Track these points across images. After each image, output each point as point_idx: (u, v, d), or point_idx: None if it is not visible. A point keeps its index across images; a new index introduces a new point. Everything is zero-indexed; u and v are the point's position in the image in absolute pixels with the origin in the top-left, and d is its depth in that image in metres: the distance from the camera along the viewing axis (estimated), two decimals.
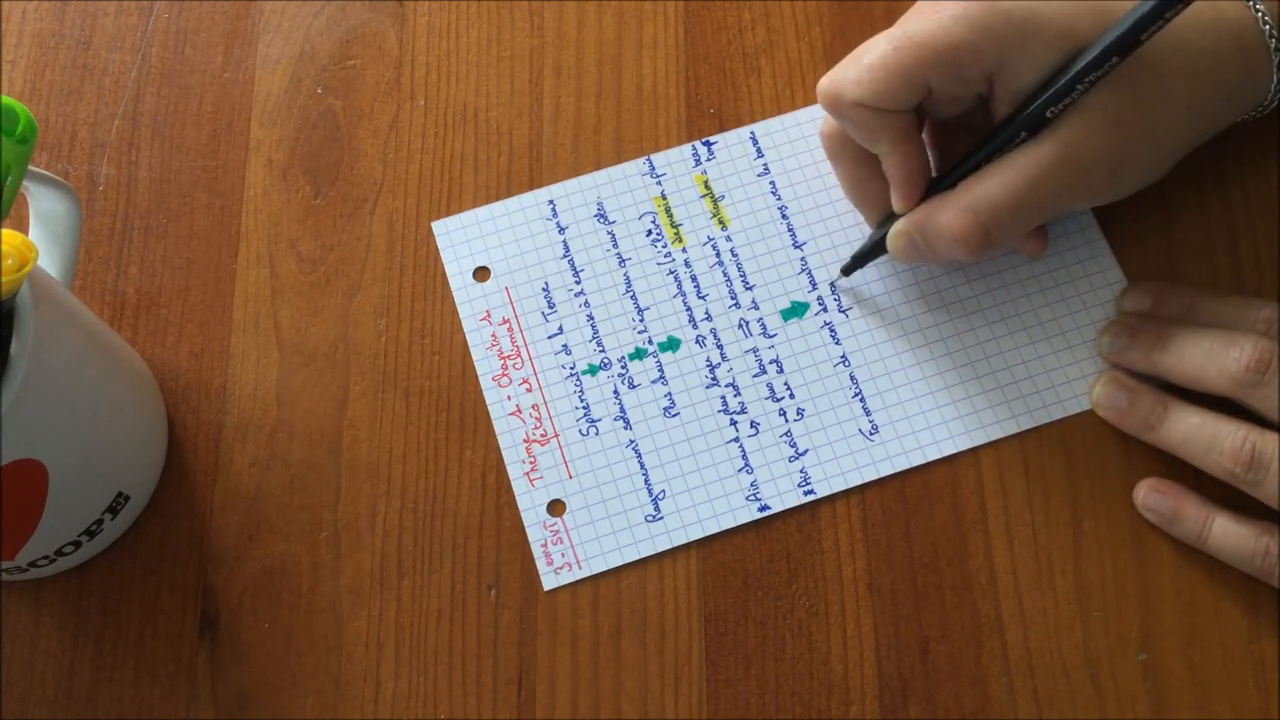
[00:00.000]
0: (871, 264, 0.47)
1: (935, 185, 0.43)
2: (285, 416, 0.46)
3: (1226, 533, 0.42)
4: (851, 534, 0.44)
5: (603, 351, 0.46)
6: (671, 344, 0.47)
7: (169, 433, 0.46)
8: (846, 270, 0.46)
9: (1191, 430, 0.42)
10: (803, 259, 0.48)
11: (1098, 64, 0.39)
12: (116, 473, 0.43)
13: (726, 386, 0.46)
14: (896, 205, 0.44)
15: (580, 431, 0.45)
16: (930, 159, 0.45)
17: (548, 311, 0.47)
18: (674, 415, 0.46)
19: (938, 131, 0.46)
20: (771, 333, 0.47)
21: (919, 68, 0.41)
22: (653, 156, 0.49)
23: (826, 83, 0.42)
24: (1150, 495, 0.43)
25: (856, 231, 0.48)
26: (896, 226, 0.44)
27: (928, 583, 0.43)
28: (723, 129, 0.50)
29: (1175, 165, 0.44)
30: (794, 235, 0.48)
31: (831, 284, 0.47)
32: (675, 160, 0.49)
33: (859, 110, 0.42)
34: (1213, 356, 0.41)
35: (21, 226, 0.46)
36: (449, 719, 0.42)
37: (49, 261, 0.43)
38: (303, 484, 0.45)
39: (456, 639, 0.43)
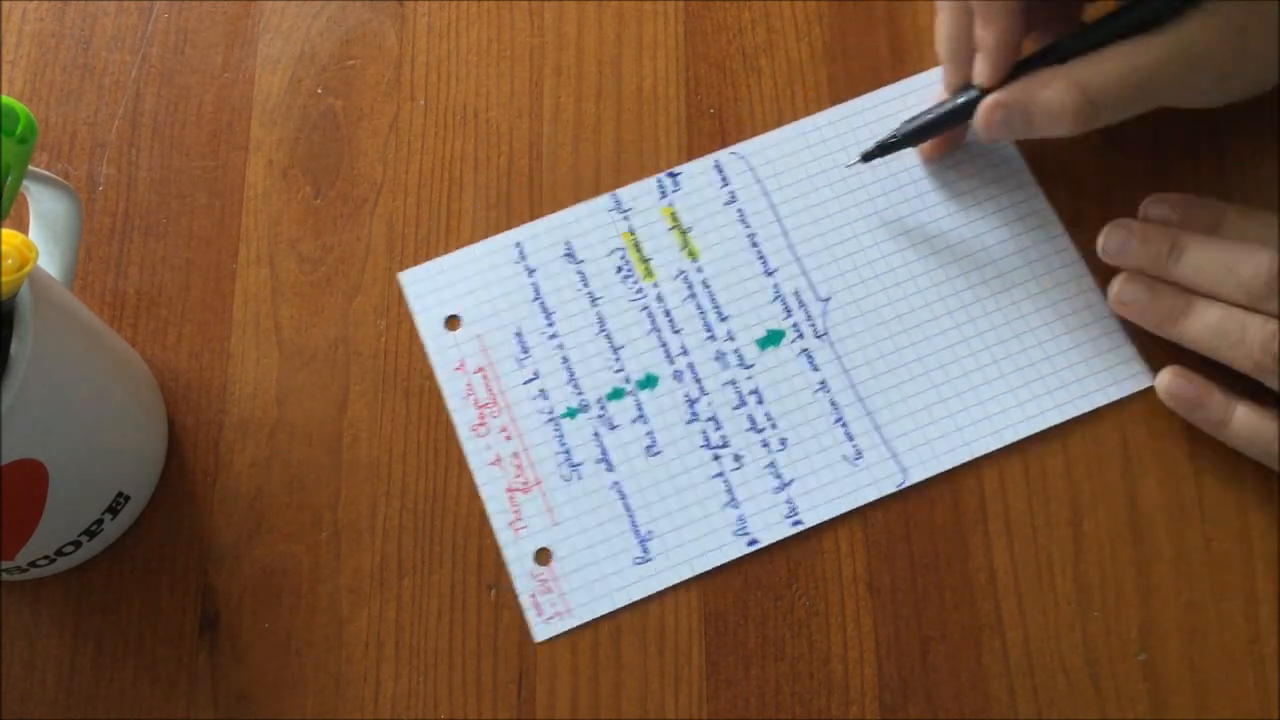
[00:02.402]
0: (844, 289, 0.46)
1: (1025, 65, 0.43)
2: (285, 416, 0.46)
3: (1249, 418, 0.42)
4: (851, 534, 0.44)
5: (580, 394, 0.46)
6: (649, 381, 0.46)
7: (169, 433, 0.46)
8: (867, 157, 0.45)
9: (1219, 322, 0.41)
10: (775, 286, 0.47)
11: None
12: (116, 473, 0.43)
13: (707, 421, 0.45)
14: (980, 75, 0.43)
15: (562, 477, 0.45)
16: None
17: (522, 356, 0.46)
18: (656, 454, 0.45)
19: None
20: (749, 363, 0.46)
21: None
22: (618, 191, 0.48)
23: None
24: (1175, 381, 0.43)
25: (828, 255, 0.47)
26: (992, 99, 0.43)
27: (928, 583, 0.43)
28: (723, 129, 0.50)
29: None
30: (765, 263, 0.47)
31: (846, 165, 0.45)
32: (641, 194, 0.49)
33: None
34: (1231, 270, 0.41)
35: (21, 226, 0.46)
36: (449, 719, 0.42)
37: (49, 261, 0.43)
38: (303, 484, 0.45)
39: (456, 639, 0.43)
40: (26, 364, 0.36)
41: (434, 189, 0.49)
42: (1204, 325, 0.42)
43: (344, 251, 0.48)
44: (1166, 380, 0.44)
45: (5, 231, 0.35)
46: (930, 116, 0.45)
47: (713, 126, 0.50)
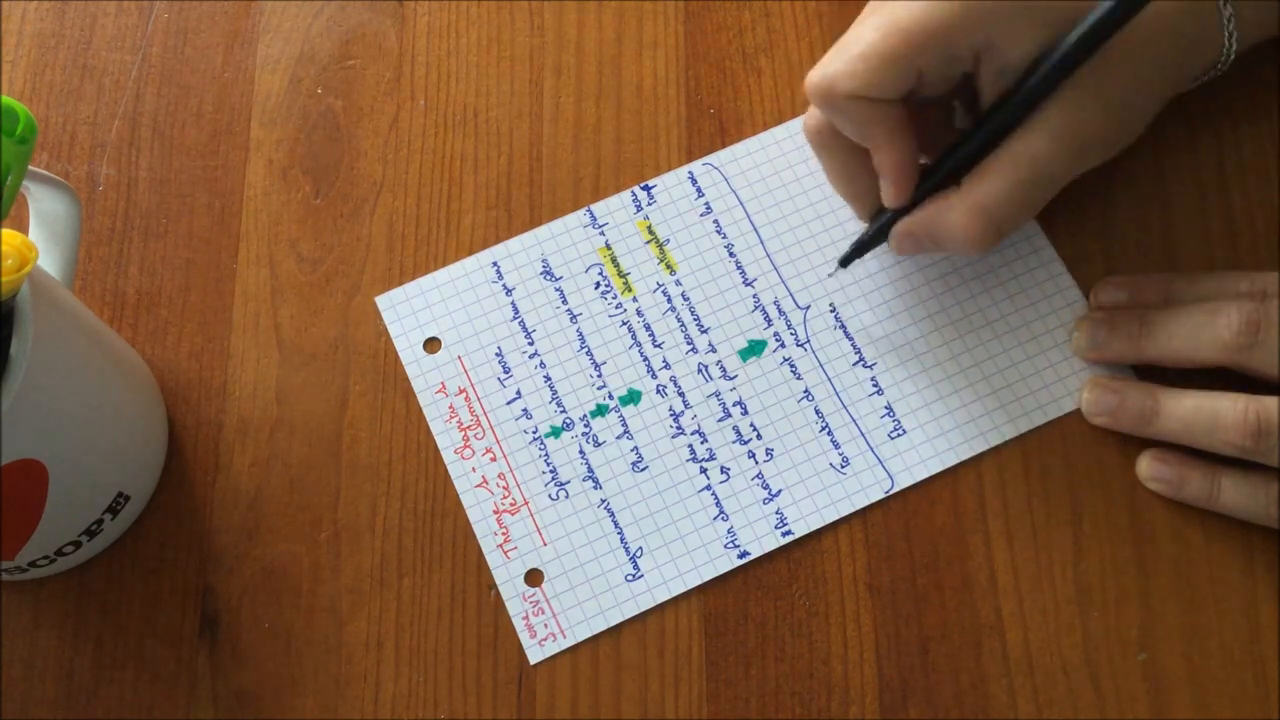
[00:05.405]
0: (823, 297, 0.47)
1: (927, 176, 0.43)
2: (285, 416, 0.46)
3: (1237, 486, 0.42)
4: (851, 534, 0.44)
5: (564, 412, 0.46)
6: (632, 397, 0.46)
7: (169, 433, 0.46)
8: (844, 262, 0.46)
9: (1189, 415, 0.42)
10: (755, 296, 0.47)
11: (1094, 42, 0.39)
12: (116, 473, 0.43)
13: (693, 434, 0.45)
14: (889, 200, 0.43)
15: (550, 496, 0.45)
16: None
17: (503, 376, 0.46)
18: (643, 469, 0.45)
19: (918, 115, 0.45)
20: (732, 374, 0.46)
21: (911, 52, 0.40)
22: (593, 207, 0.48)
23: (817, 77, 0.41)
24: (1154, 465, 0.43)
25: (806, 263, 0.47)
26: (900, 227, 0.43)
27: (928, 583, 0.43)
28: (723, 129, 0.50)
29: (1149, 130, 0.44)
30: (743, 273, 0.47)
31: (829, 276, 0.46)
32: (616, 208, 0.48)
33: (853, 103, 0.41)
34: (1202, 329, 0.42)
35: (21, 226, 0.46)
36: (449, 719, 0.42)
37: (49, 261, 0.43)
38: (303, 484, 0.45)
39: (456, 639, 0.43)
40: (26, 364, 0.36)
41: (434, 189, 0.49)
42: (1178, 421, 0.42)
43: (344, 251, 0.48)
44: (1145, 467, 0.44)
45: (5, 231, 0.35)
46: (854, 243, 0.45)
47: (713, 126, 0.50)
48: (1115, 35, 0.40)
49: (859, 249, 0.45)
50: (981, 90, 0.42)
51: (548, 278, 0.48)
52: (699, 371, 0.46)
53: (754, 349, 0.46)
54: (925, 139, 0.44)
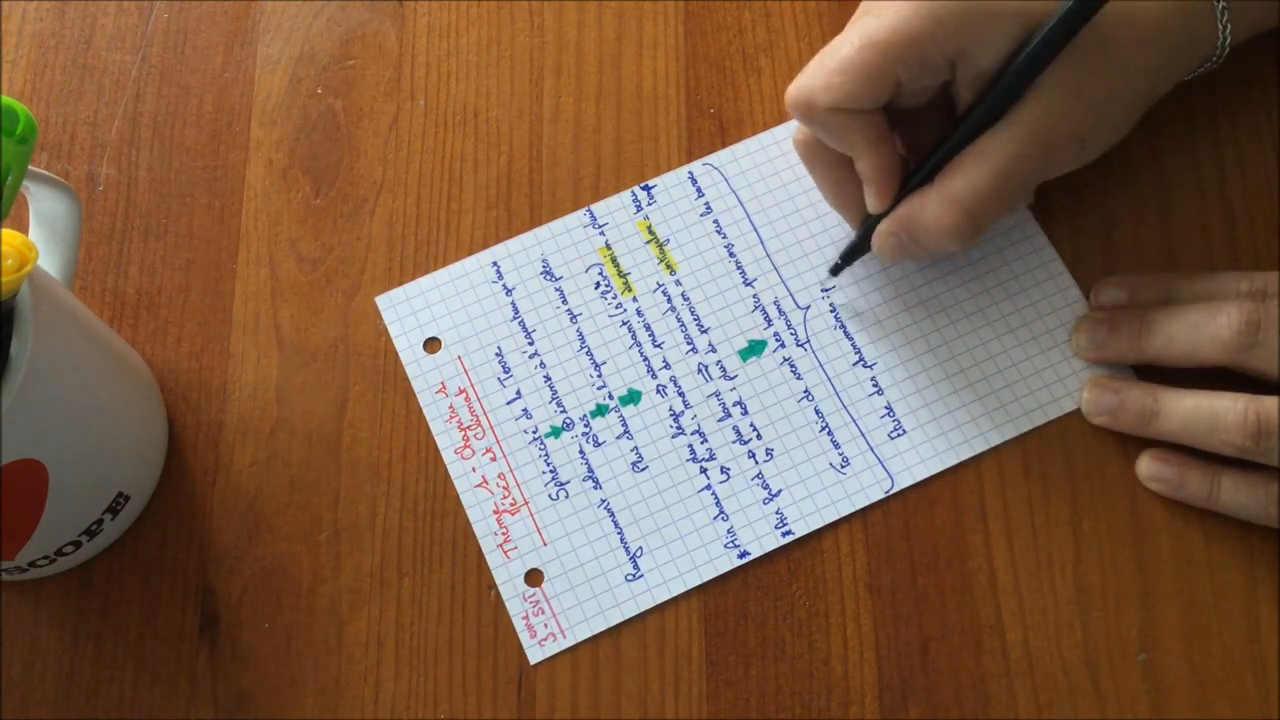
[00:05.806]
0: (823, 297, 0.47)
1: (909, 179, 0.43)
2: (285, 416, 0.46)
3: (1237, 486, 0.42)
4: (851, 534, 0.44)
5: (564, 412, 0.46)
6: (632, 397, 0.46)
7: (169, 433, 0.46)
8: (835, 270, 0.46)
9: (1189, 415, 0.42)
10: (755, 296, 0.47)
11: (1057, 42, 0.40)
12: (116, 473, 0.43)
13: (693, 434, 0.45)
14: (871, 205, 0.44)
15: (550, 496, 0.45)
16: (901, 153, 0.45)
17: (503, 376, 0.46)
18: (643, 469, 0.45)
19: (903, 123, 0.45)
20: (732, 374, 0.46)
21: (886, 64, 0.41)
22: (593, 207, 0.48)
23: (795, 91, 0.42)
24: (1154, 465, 0.43)
25: (806, 263, 0.47)
26: (881, 227, 0.44)
27: (928, 583, 0.43)
28: (723, 129, 0.50)
29: (1135, 130, 0.44)
30: (743, 273, 0.47)
31: (822, 288, 0.47)
32: (616, 209, 0.48)
33: (831, 115, 0.42)
34: (1201, 328, 0.42)
35: (21, 226, 0.46)
36: (449, 719, 0.42)
37: (49, 261, 0.43)
38: (303, 484, 0.45)
39: (456, 639, 0.43)
40: (26, 364, 0.36)
41: (434, 189, 0.49)
42: (1177, 421, 0.42)
43: (344, 251, 0.48)
44: (1144, 467, 0.44)
45: (5, 231, 0.35)
46: (843, 251, 0.46)
47: (713, 126, 0.50)
48: (1082, 32, 0.40)
49: (848, 256, 0.46)
50: (958, 96, 0.42)
51: (548, 278, 0.48)
52: (699, 371, 0.46)
53: (754, 349, 0.46)
54: (917, 146, 0.45)
